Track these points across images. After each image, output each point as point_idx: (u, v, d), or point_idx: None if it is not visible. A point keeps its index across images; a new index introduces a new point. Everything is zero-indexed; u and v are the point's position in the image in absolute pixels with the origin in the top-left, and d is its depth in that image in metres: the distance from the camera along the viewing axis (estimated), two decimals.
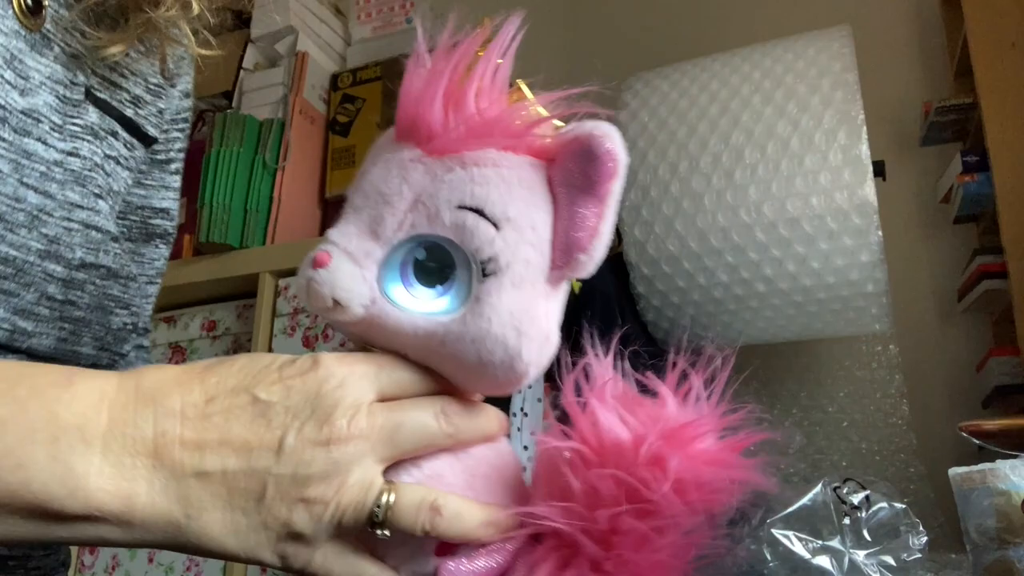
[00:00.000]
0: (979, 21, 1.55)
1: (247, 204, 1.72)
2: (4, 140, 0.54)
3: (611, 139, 0.40)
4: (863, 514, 0.80)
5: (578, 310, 1.41)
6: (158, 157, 0.71)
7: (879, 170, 1.38)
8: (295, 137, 1.81)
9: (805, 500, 0.82)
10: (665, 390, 0.41)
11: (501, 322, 0.38)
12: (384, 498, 0.38)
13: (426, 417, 0.39)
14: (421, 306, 0.40)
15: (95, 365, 0.62)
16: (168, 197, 0.72)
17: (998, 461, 0.71)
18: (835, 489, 0.82)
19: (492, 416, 0.42)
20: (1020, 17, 1.53)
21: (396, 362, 0.40)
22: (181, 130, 0.73)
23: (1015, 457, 0.71)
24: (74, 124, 0.60)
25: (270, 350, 1.65)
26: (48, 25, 0.58)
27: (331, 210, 1.86)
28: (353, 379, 0.38)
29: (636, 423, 0.39)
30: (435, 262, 0.40)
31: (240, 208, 1.71)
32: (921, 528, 0.80)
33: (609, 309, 1.38)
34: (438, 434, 0.39)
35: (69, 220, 0.58)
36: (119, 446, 0.36)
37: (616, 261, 1.46)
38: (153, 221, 0.72)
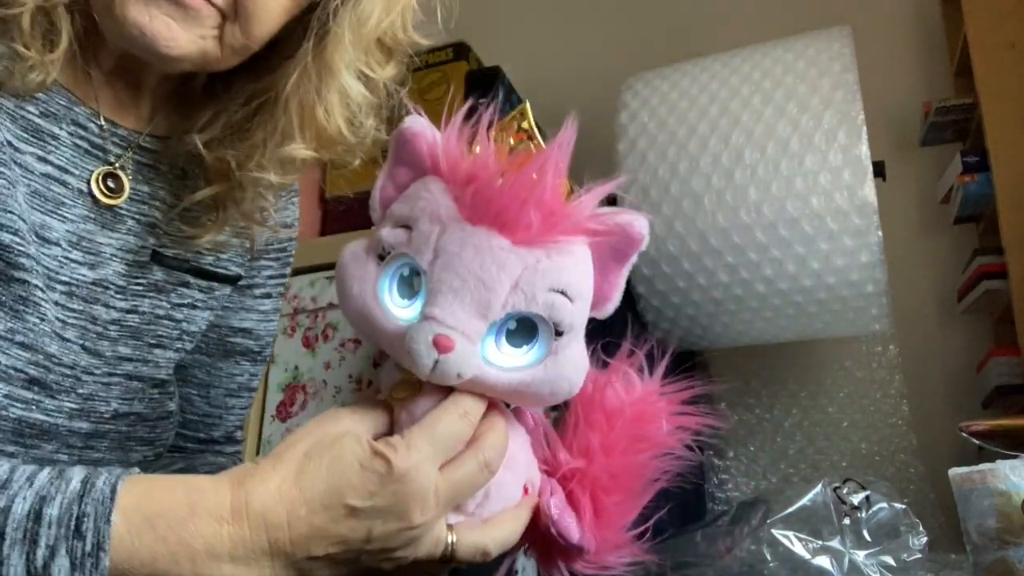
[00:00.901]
0: (979, 21, 1.55)
1: None
2: (73, 310, 0.60)
3: (645, 228, 0.52)
4: (863, 514, 0.80)
5: None
6: (241, 283, 0.74)
7: (879, 170, 1.38)
8: None
9: (805, 500, 0.82)
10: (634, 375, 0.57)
11: (570, 368, 0.51)
12: (449, 549, 0.50)
13: (474, 472, 0.50)
14: (510, 362, 0.51)
15: None
16: (249, 318, 0.76)
17: (998, 461, 0.71)
18: (835, 489, 0.82)
19: (505, 432, 0.52)
20: (1020, 17, 1.53)
21: (447, 419, 0.50)
22: (274, 258, 0.77)
23: (1015, 457, 0.71)
24: (137, 284, 0.65)
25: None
26: (123, 204, 0.64)
27: (331, 210, 1.86)
28: (420, 472, 0.48)
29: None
30: (523, 330, 0.51)
31: None
32: (921, 528, 0.80)
33: None
34: (483, 480, 0.50)
35: (111, 375, 0.63)
36: (244, 556, 0.46)
37: None
38: (231, 339, 0.76)
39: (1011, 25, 1.53)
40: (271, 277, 0.77)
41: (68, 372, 0.60)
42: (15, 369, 0.56)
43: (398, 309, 0.51)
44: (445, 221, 0.50)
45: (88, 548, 0.44)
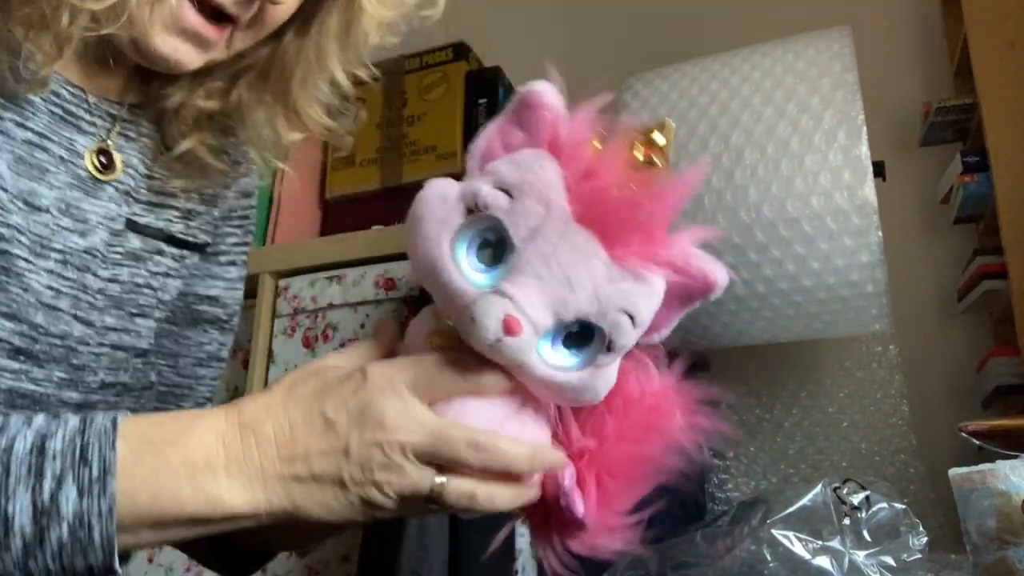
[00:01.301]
0: (979, 21, 1.55)
1: None
2: (67, 279, 0.61)
3: (724, 280, 0.53)
4: (863, 514, 0.80)
5: None
6: (207, 251, 0.75)
7: (879, 170, 1.38)
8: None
9: (805, 500, 0.82)
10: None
11: (603, 383, 0.52)
12: (435, 489, 0.50)
13: (458, 448, 0.50)
14: (556, 360, 0.51)
15: None
16: (215, 286, 0.77)
17: (998, 462, 0.71)
18: (835, 489, 0.82)
19: (521, 457, 0.52)
20: (1020, 17, 1.53)
21: (426, 364, 0.51)
22: (236, 225, 0.78)
23: (1015, 457, 0.71)
24: (116, 252, 0.66)
25: (270, 351, 1.65)
26: (116, 178, 0.65)
27: (331, 211, 1.86)
28: (395, 381, 0.50)
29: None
30: (580, 336, 0.51)
31: None
32: (921, 529, 0.80)
33: None
34: (464, 458, 0.50)
35: (101, 345, 0.64)
36: (237, 470, 0.49)
37: None
38: (198, 307, 0.76)
39: (1011, 25, 1.53)
40: (235, 244, 0.78)
41: (58, 343, 0.60)
42: (0, 340, 0.57)
43: (471, 271, 0.51)
44: (552, 207, 0.50)
45: (95, 474, 0.45)
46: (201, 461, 0.48)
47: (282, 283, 1.70)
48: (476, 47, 1.89)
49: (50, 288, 0.59)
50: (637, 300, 0.51)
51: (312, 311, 1.63)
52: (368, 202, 1.76)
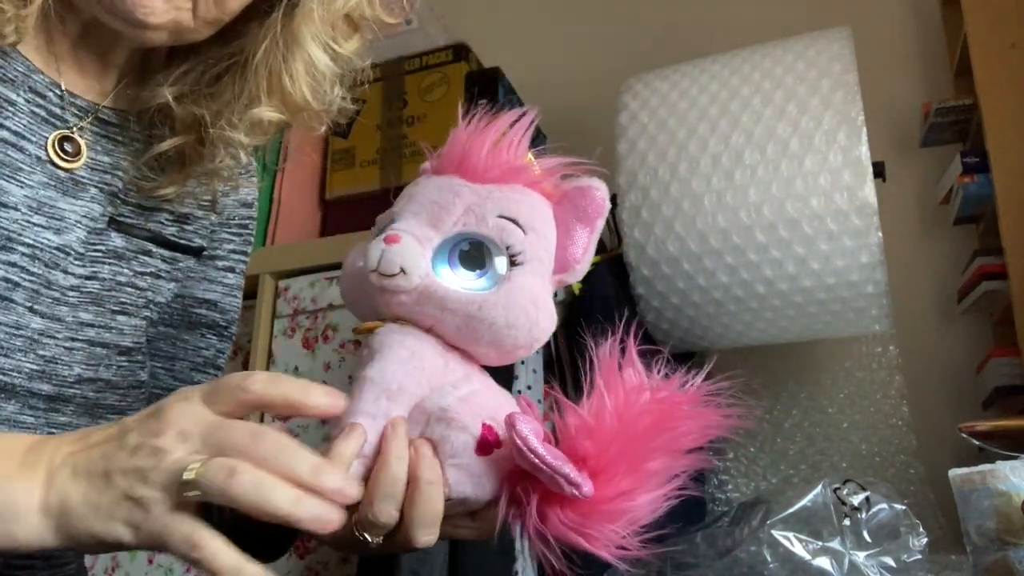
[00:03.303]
0: (979, 22, 1.55)
1: None
2: (31, 273, 0.61)
3: (601, 186, 0.57)
4: (863, 515, 0.80)
5: (579, 311, 1.41)
6: (204, 254, 0.75)
7: (879, 171, 1.38)
8: (295, 138, 1.81)
9: (805, 501, 0.82)
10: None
11: (524, 295, 0.52)
12: (195, 467, 0.45)
13: (231, 385, 0.47)
14: (462, 284, 0.52)
15: None
16: (213, 290, 0.77)
17: (998, 462, 0.71)
18: (835, 490, 0.82)
19: (293, 383, 0.48)
20: (1020, 18, 1.53)
21: (231, 377, 0.48)
22: (235, 233, 0.78)
23: (1015, 458, 0.71)
24: (95, 250, 0.66)
25: (270, 352, 1.65)
26: (83, 172, 0.65)
27: (331, 211, 1.86)
28: (190, 391, 0.48)
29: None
30: (476, 254, 0.53)
31: None
32: (921, 529, 0.80)
33: (608, 310, 1.38)
34: (238, 392, 0.47)
35: (74, 340, 0.64)
36: (30, 462, 0.47)
37: (616, 262, 1.46)
38: (196, 310, 0.76)
39: (1011, 26, 1.53)
40: (233, 251, 0.78)
41: (14, 332, 0.60)
42: None
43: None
44: (418, 180, 0.57)
45: None
46: (4, 451, 0.48)
47: (282, 284, 1.70)
48: (476, 48, 1.89)
49: (6, 280, 0.59)
50: (512, 204, 0.54)
51: (312, 312, 1.63)
52: (368, 203, 1.76)
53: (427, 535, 0.50)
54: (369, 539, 0.50)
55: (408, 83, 1.82)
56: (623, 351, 0.53)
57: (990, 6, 1.55)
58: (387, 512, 0.49)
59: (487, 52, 1.91)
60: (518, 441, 0.48)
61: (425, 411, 0.51)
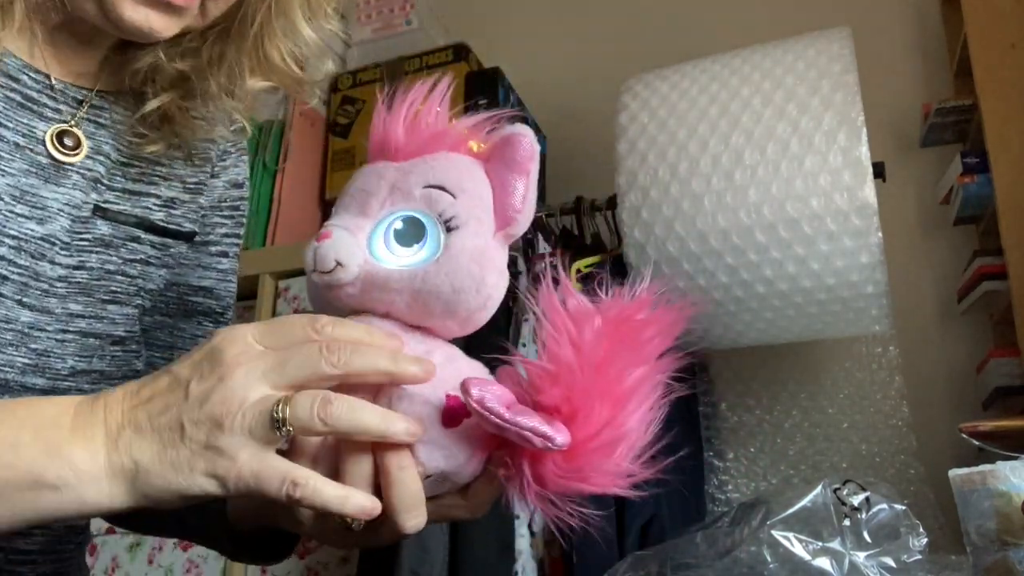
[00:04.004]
0: (979, 22, 1.55)
1: None
2: (18, 265, 0.60)
3: (527, 131, 0.55)
4: (863, 515, 0.80)
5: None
6: (196, 240, 0.74)
7: (879, 171, 1.38)
8: (295, 139, 1.81)
9: (805, 501, 0.82)
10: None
11: (466, 257, 0.51)
12: (281, 404, 0.45)
13: (311, 351, 0.47)
14: (404, 263, 0.52)
15: None
16: (207, 276, 0.76)
17: (998, 462, 0.71)
18: (835, 491, 0.82)
19: (381, 352, 0.49)
20: (1020, 18, 1.53)
21: (281, 324, 0.49)
22: (227, 216, 0.77)
23: (1015, 458, 0.71)
24: (82, 239, 0.65)
25: None
26: (79, 160, 0.64)
27: (331, 211, 1.86)
28: (238, 332, 0.47)
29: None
30: (411, 229, 0.53)
31: None
32: (921, 530, 0.80)
33: None
34: (324, 365, 0.47)
35: (65, 332, 0.63)
36: (82, 425, 0.46)
37: (616, 263, 1.46)
38: (191, 298, 0.76)
39: (1011, 25, 1.53)
40: (225, 235, 0.77)
41: (3, 326, 0.59)
42: None
43: None
44: (353, 174, 0.57)
45: None
46: (49, 419, 0.46)
47: (282, 284, 1.70)
48: (476, 48, 1.89)
49: None
50: (436, 172, 0.54)
51: (312, 312, 1.63)
52: None
53: (413, 519, 0.49)
54: (351, 524, 0.49)
55: (408, 83, 1.82)
56: (557, 287, 0.52)
57: (990, 6, 1.55)
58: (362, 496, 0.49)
59: (487, 52, 1.92)
60: (473, 404, 0.47)
61: (386, 392, 0.50)
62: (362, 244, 0.52)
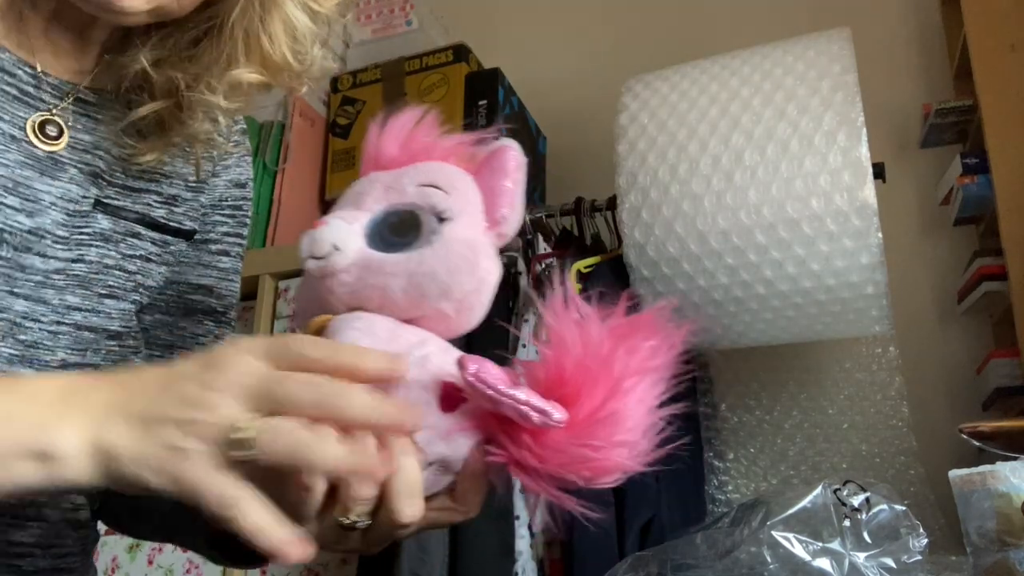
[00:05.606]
0: (979, 23, 1.55)
1: None
2: (1, 258, 0.59)
3: (513, 144, 0.58)
4: (863, 516, 0.80)
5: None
6: (196, 238, 0.74)
7: (879, 172, 1.38)
8: (295, 139, 1.82)
9: (805, 502, 0.82)
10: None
11: (459, 243, 0.53)
12: (242, 426, 0.44)
13: (298, 384, 0.46)
14: (396, 250, 0.53)
15: None
16: (207, 275, 0.76)
17: (998, 463, 0.71)
18: (835, 491, 0.82)
19: (360, 400, 0.46)
20: (1020, 19, 1.53)
21: (285, 342, 0.48)
22: (228, 215, 0.77)
23: (1015, 459, 0.71)
24: (81, 233, 0.65)
25: None
26: (64, 151, 0.64)
27: (331, 211, 1.86)
28: (243, 345, 0.47)
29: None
30: (405, 222, 0.54)
31: None
32: (921, 530, 0.80)
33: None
34: (307, 404, 0.45)
35: (60, 323, 0.63)
36: (70, 399, 0.46)
37: (616, 263, 1.46)
38: (191, 296, 0.76)
39: (1011, 27, 1.53)
40: (226, 234, 0.77)
41: None
42: None
43: None
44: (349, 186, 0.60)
45: None
46: (42, 393, 0.47)
47: (282, 284, 1.70)
48: (476, 48, 1.89)
49: None
50: (428, 173, 0.56)
51: None
52: None
53: (411, 507, 0.48)
54: (355, 521, 0.49)
55: (408, 84, 1.82)
56: (565, 296, 0.52)
57: (990, 7, 1.55)
58: (367, 486, 0.48)
59: (487, 53, 1.92)
60: (469, 378, 0.47)
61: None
62: (358, 232, 0.54)
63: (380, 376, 0.48)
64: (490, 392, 0.47)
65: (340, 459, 0.45)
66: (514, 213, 0.57)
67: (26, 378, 0.50)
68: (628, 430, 0.49)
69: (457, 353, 0.53)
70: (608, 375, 0.49)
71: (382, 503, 0.48)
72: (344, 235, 0.53)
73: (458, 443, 0.51)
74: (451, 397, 0.50)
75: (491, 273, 0.54)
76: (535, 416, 0.47)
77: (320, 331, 0.53)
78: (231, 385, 0.46)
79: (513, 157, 0.57)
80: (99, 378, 0.48)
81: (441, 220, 0.53)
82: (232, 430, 0.44)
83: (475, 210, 0.56)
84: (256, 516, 0.45)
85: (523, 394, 0.47)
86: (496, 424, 0.50)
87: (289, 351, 0.47)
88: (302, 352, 0.47)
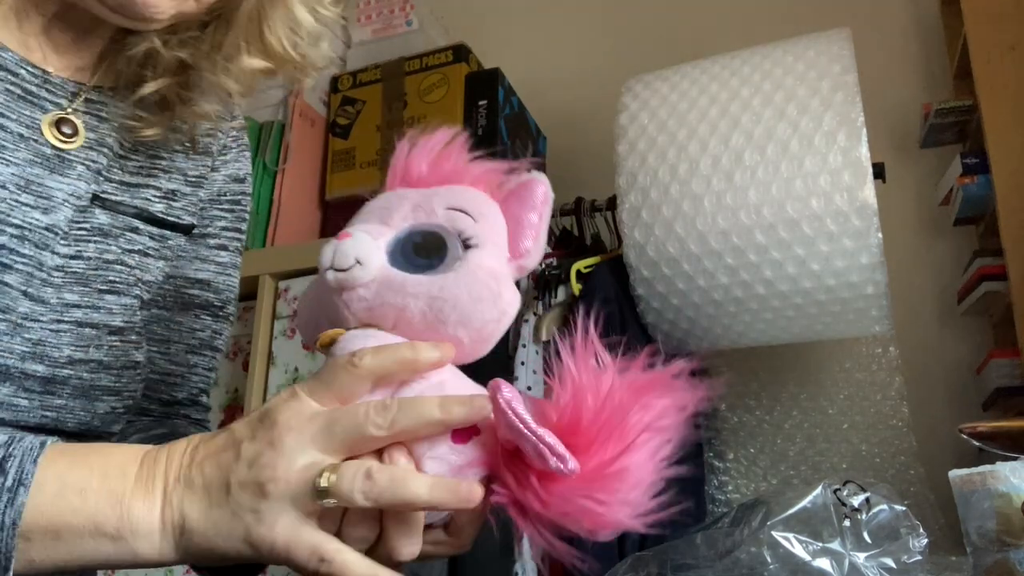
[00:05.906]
0: (978, 23, 1.55)
1: None
2: (22, 254, 0.60)
3: (543, 178, 0.58)
4: (863, 516, 0.80)
5: (577, 311, 1.41)
6: (194, 233, 0.75)
7: (879, 172, 1.38)
8: (295, 139, 1.81)
9: (805, 502, 0.82)
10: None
11: (483, 271, 0.52)
12: (327, 475, 0.45)
13: (357, 414, 0.47)
14: (420, 271, 0.52)
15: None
16: (205, 269, 0.75)
17: (998, 463, 0.71)
18: (835, 491, 0.82)
19: (431, 404, 0.48)
20: (1019, 19, 1.53)
21: (326, 367, 0.49)
22: (226, 210, 0.77)
23: (1015, 459, 0.71)
24: (80, 228, 0.65)
25: (270, 352, 1.65)
26: (75, 150, 0.64)
27: (331, 212, 1.86)
28: (293, 391, 0.48)
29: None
30: (430, 244, 0.53)
31: None
32: (921, 530, 0.80)
33: (609, 311, 1.38)
34: (371, 428, 0.47)
35: (59, 322, 0.63)
36: (146, 476, 0.48)
37: (616, 263, 1.46)
38: (188, 291, 0.76)
39: (1011, 27, 1.53)
40: (225, 229, 0.77)
41: (2, 316, 0.59)
42: None
43: None
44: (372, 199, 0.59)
45: (8, 483, 0.45)
46: (116, 466, 0.48)
47: (282, 285, 1.70)
48: (476, 49, 1.89)
49: None
50: (458, 198, 0.56)
51: None
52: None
53: (410, 545, 0.49)
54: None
55: (408, 84, 1.82)
56: (586, 340, 0.51)
57: (990, 7, 1.55)
58: (366, 525, 0.49)
59: (487, 53, 1.91)
60: (502, 403, 0.47)
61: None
62: (382, 248, 0.53)
63: (437, 366, 0.50)
64: (518, 424, 0.47)
65: (427, 494, 0.46)
66: (537, 247, 0.57)
67: (101, 448, 0.50)
68: (634, 487, 0.48)
69: (469, 382, 0.53)
70: (622, 430, 0.49)
71: (379, 540, 0.49)
72: (368, 250, 0.52)
73: (465, 477, 0.50)
74: (464, 428, 0.50)
75: (512, 305, 0.53)
76: (552, 460, 0.47)
77: (330, 345, 0.53)
78: (291, 436, 0.46)
79: (542, 191, 0.57)
80: (168, 448, 0.49)
81: (467, 247, 0.53)
82: (313, 479, 0.45)
83: (500, 240, 0.55)
84: (358, 563, 0.46)
85: (550, 436, 0.47)
86: (505, 461, 0.50)
87: (336, 375, 0.48)
88: (351, 367, 0.48)
